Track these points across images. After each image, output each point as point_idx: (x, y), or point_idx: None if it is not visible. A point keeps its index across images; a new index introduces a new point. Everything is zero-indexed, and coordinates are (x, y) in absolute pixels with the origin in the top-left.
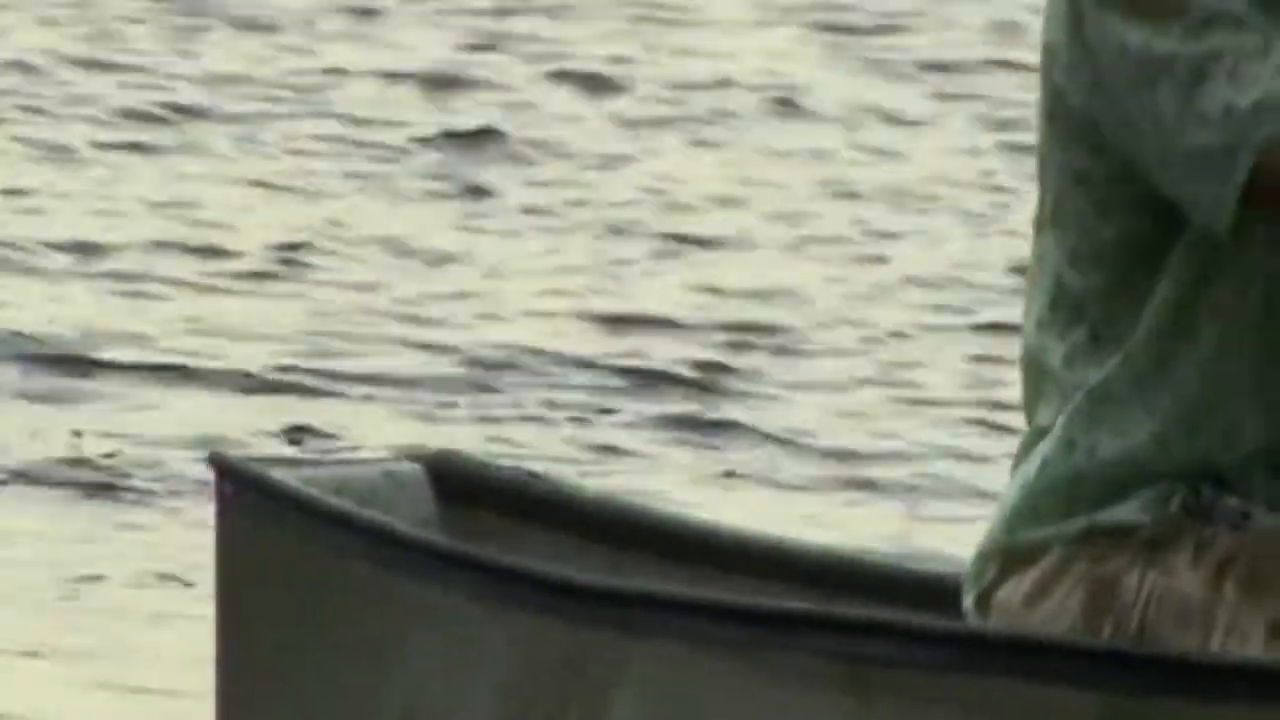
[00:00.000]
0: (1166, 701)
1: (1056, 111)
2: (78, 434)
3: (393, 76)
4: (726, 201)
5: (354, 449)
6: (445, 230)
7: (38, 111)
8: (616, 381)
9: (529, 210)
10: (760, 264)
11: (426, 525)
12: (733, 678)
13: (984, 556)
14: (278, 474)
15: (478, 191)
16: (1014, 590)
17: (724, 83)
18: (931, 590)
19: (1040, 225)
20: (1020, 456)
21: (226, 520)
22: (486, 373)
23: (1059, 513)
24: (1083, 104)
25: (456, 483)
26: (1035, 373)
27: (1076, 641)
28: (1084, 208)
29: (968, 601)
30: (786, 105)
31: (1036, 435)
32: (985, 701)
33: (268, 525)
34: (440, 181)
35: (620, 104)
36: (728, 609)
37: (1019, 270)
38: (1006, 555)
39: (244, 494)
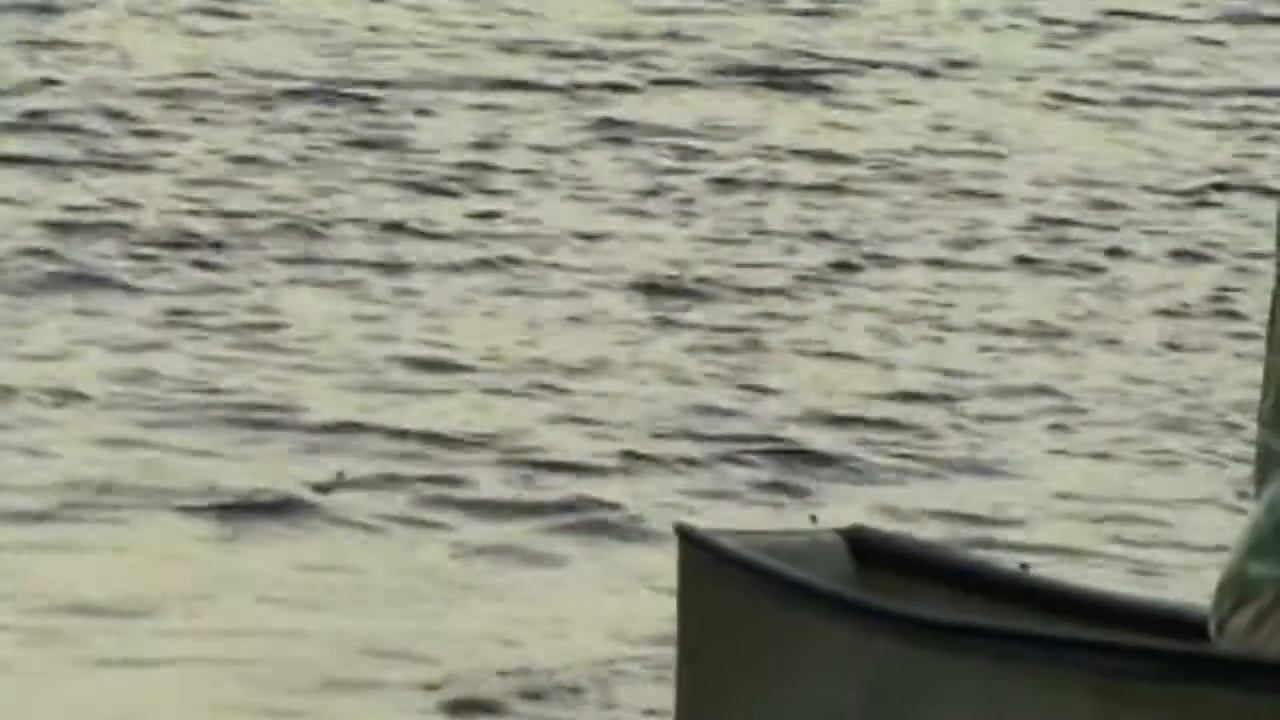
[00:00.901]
0: None
1: None
2: None
3: None
4: None
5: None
6: None
7: None
8: None
9: None
10: None
11: (846, 583)
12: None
13: (1220, 590)
14: (731, 542)
15: None
16: (1241, 620)
17: None
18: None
19: (1273, 343)
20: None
21: (690, 584)
22: None
23: (1275, 556)
24: None
25: (869, 550)
26: (1263, 456)
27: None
28: None
29: (1211, 630)
30: None
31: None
32: (1214, 710)
33: (727, 587)
34: None
35: None
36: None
37: None
38: (1238, 590)
39: (705, 561)
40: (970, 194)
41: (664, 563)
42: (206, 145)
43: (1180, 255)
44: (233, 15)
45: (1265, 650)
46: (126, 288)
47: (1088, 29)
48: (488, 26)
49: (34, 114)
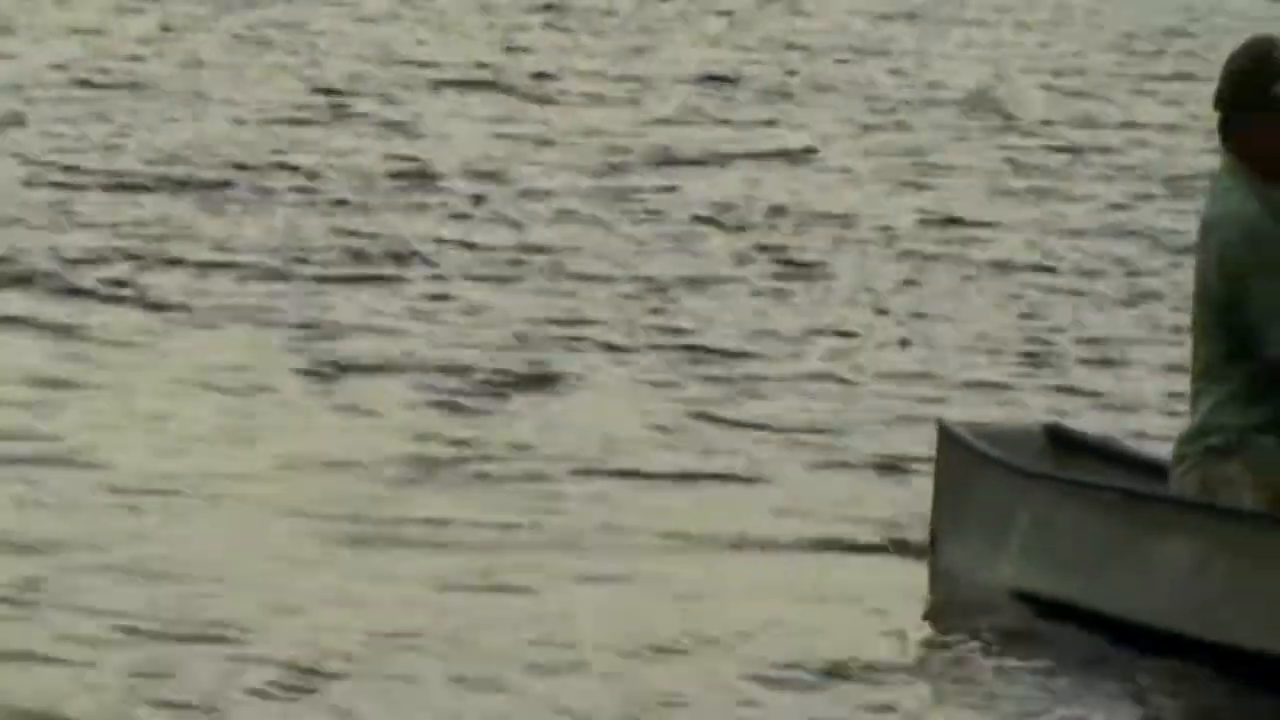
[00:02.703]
0: None
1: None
2: None
3: None
4: None
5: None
6: None
7: None
8: None
9: None
10: None
11: (1045, 462)
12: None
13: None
14: (967, 433)
15: None
16: (1175, 473)
17: None
18: None
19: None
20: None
21: (942, 461)
22: None
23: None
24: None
25: (1064, 441)
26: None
27: None
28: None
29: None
30: None
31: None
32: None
33: (970, 465)
34: None
35: None
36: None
37: None
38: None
39: (954, 447)
40: None
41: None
42: None
43: None
44: None
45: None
46: None
47: None
48: None
49: None
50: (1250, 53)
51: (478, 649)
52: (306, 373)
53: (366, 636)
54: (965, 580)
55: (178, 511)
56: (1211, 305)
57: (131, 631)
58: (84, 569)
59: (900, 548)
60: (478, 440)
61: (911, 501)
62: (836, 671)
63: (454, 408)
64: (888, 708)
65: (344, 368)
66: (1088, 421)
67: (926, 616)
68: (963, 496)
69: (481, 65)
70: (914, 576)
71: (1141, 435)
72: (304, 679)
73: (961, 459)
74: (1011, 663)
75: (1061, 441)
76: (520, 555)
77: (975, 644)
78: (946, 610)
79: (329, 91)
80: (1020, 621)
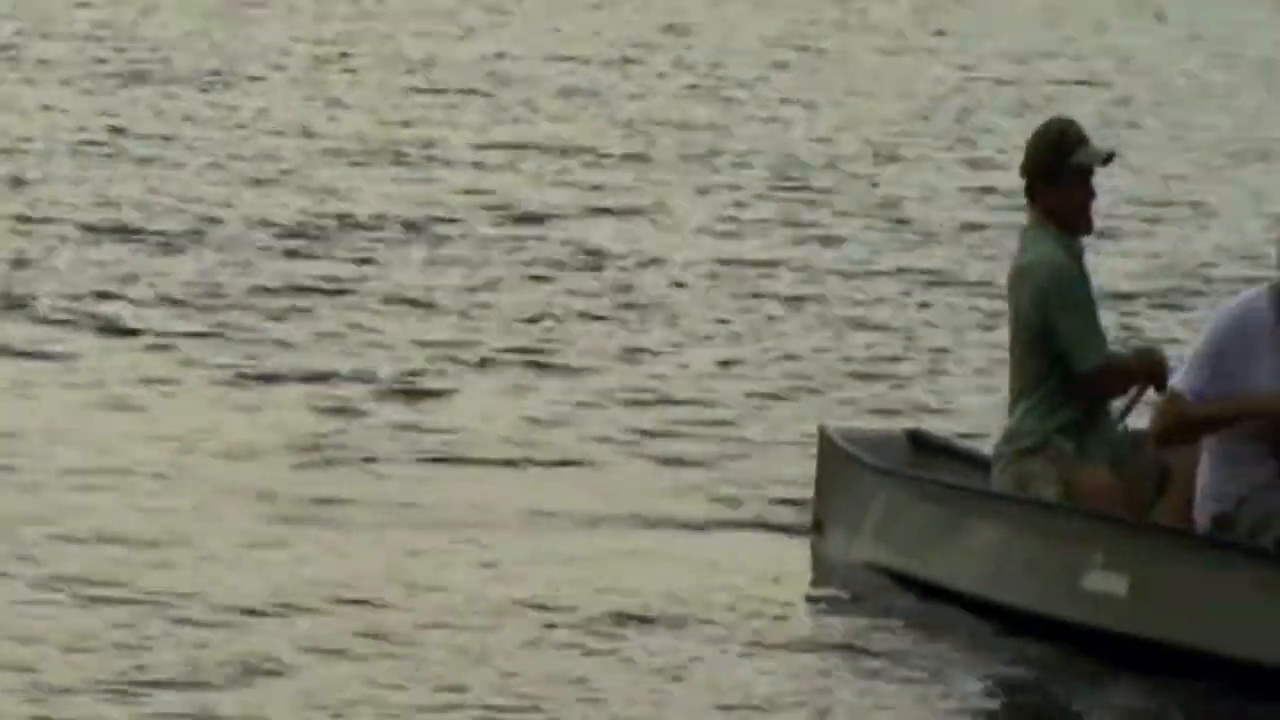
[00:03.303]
0: None
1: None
2: None
3: None
4: None
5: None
6: None
7: None
8: None
9: None
10: None
11: (905, 463)
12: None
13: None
14: (842, 439)
15: None
16: (994, 470)
17: None
18: None
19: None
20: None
21: (822, 461)
22: None
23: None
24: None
25: (922, 444)
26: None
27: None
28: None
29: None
30: None
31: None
32: None
33: (843, 465)
34: None
35: None
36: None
37: None
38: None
39: (831, 449)
40: None
41: None
42: None
43: None
44: None
45: (1000, 485)
46: None
47: None
48: None
49: None
50: (1049, 132)
51: (364, 601)
52: (225, 382)
53: (270, 593)
54: (838, 557)
55: (124, 491)
56: (1027, 333)
57: (90, 595)
58: (44, 539)
59: (789, 530)
60: (365, 436)
61: (802, 492)
62: (730, 636)
63: (346, 412)
64: (769, 657)
65: (257, 377)
66: (933, 425)
67: (811, 585)
68: (836, 488)
69: (380, 135)
70: (800, 552)
71: (976, 437)
72: (223, 616)
73: (835, 458)
74: (878, 622)
75: (921, 444)
76: (400, 530)
77: (849, 608)
78: (825, 580)
79: (254, 158)
80: (883, 592)
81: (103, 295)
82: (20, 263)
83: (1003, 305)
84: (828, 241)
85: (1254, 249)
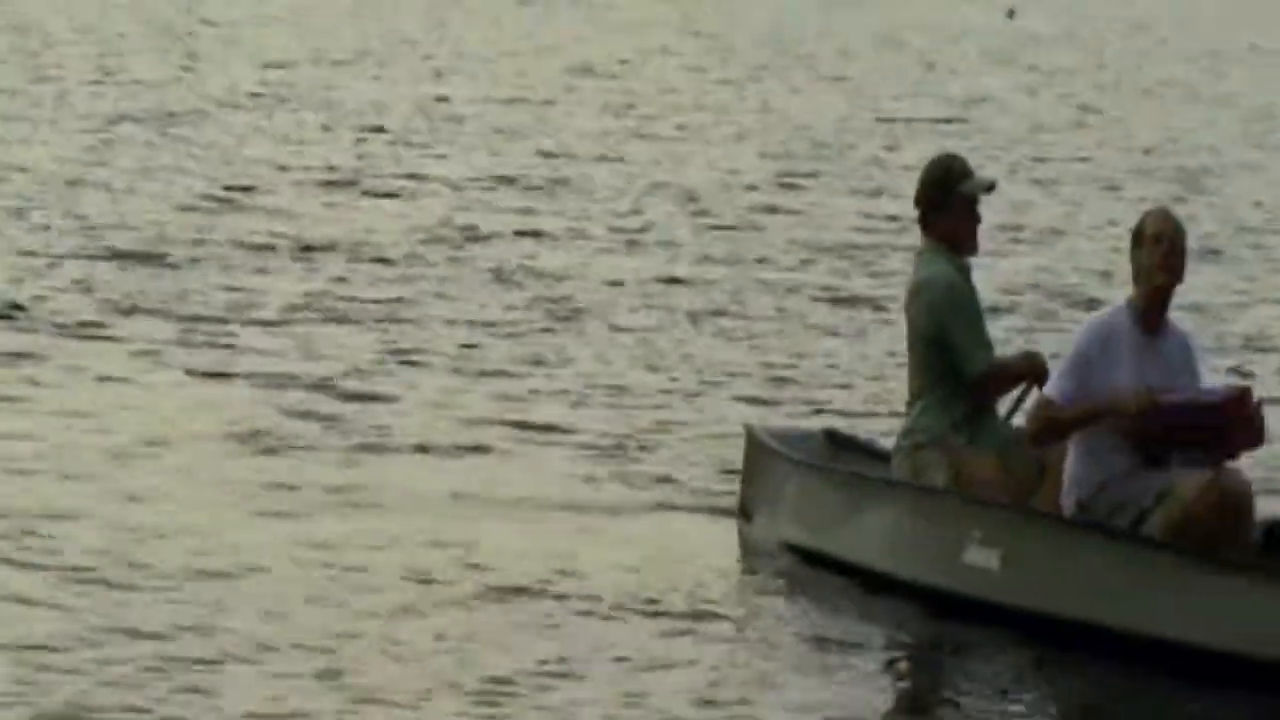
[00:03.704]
0: None
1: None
2: None
3: None
4: None
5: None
6: None
7: None
8: None
9: None
10: None
11: (822, 458)
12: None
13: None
14: (767, 436)
15: None
16: (894, 461)
17: None
18: None
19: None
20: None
21: (749, 457)
22: None
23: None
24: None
25: (837, 441)
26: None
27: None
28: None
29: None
30: None
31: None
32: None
33: (768, 459)
34: None
35: None
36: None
37: None
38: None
39: (756, 446)
40: None
41: None
42: None
43: None
44: None
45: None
46: None
47: None
48: None
49: None
50: (936, 168)
51: (316, 569)
52: (193, 383)
53: (232, 561)
54: (760, 538)
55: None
56: (923, 342)
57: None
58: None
59: (718, 512)
60: (314, 430)
61: (729, 483)
62: (664, 609)
63: (297, 412)
64: (702, 627)
65: (218, 375)
66: (840, 423)
67: (737, 562)
68: (760, 479)
69: (333, 168)
70: (728, 535)
71: (881, 433)
72: (196, 580)
73: (760, 452)
74: (793, 594)
75: (836, 440)
76: (340, 512)
77: (772, 583)
78: (749, 558)
79: (228, 188)
80: (799, 568)
81: (87, 305)
82: (15, 280)
83: (902, 318)
84: (741, 261)
85: (1108, 267)
